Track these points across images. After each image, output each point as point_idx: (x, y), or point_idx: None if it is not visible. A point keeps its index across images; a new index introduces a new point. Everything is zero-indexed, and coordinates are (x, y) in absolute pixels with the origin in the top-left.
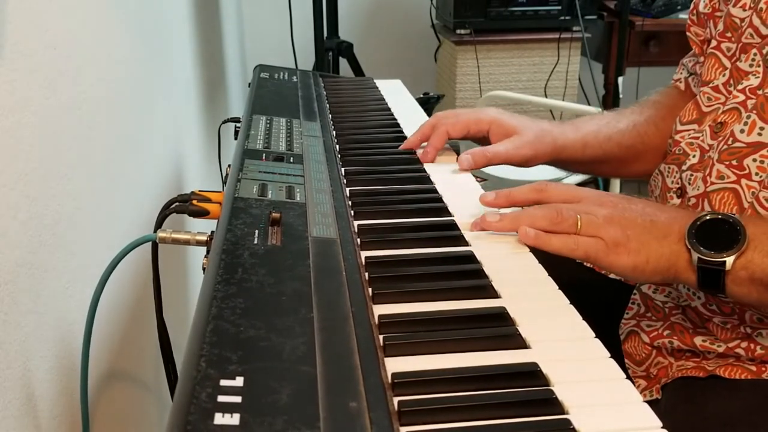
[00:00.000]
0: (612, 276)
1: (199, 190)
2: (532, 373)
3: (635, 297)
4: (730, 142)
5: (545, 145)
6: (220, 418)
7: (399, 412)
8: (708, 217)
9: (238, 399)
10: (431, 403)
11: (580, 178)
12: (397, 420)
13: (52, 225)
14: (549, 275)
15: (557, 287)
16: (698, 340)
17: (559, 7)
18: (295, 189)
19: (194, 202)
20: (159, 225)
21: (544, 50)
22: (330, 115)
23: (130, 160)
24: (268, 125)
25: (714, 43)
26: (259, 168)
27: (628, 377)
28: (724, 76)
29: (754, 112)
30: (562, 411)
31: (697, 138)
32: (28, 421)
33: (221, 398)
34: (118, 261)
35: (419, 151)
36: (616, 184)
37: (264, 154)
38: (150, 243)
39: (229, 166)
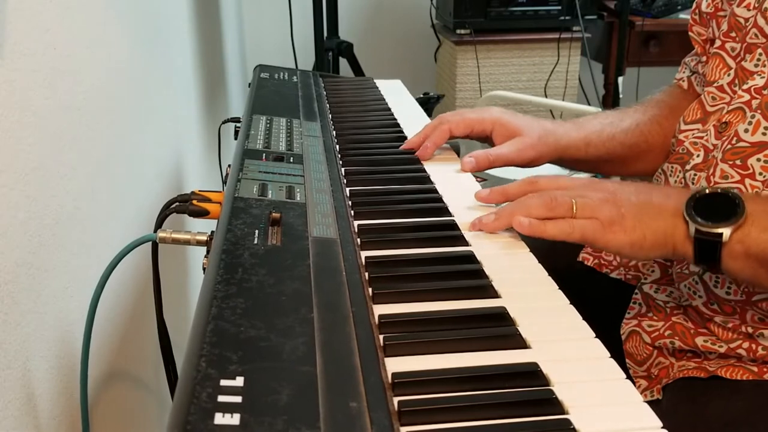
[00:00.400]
0: (613, 275)
1: (199, 190)
2: (532, 373)
3: (637, 297)
4: (734, 142)
5: (548, 147)
6: (220, 418)
7: (399, 412)
8: (707, 191)
9: (238, 399)
10: (431, 403)
11: (583, 176)
12: (397, 420)
13: (52, 225)
14: (549, 275)
15: (557, 287)
16: (699, 341)
17: (559, 7)
18: (295, 189)
19: (194, 202)
20: (159, 225)
21: (544, 50)
22: (330, 115)
23: (130, 160)
24: (268, 125)
25: (718, 43)
26: (259, 168)
27: (629, 377)
28: (729, 75)
29: (759, 111)
30: (562, 411)
31: (701, 137)
32: (28, 421)
33: (221, 398)
34: (118, 261)
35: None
36: None
37: (264, 154)
38: (150, 243)
39: (229, 166)
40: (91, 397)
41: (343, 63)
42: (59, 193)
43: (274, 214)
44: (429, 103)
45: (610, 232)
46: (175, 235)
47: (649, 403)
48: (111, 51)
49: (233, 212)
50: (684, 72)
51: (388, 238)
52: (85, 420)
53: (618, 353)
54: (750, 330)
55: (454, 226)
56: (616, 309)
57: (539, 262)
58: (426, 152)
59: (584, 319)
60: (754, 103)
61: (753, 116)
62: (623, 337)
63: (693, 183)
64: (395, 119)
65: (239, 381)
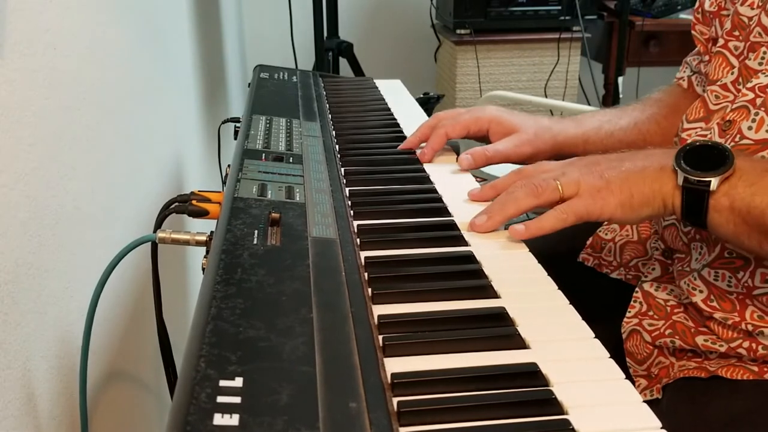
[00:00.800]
0: (613, 276)
1: (199, 190)
2: (531, 374)
3: (637, 295)
4: (737, 140)
5: (545, 143)
6: (219, 419)
7: (398, 412)
8: (698, 143)
9: (237, 399)
10: (431, 403)
11: None
12: (396, 420)
13: (52, 225)
14: (549, 275)
15: (557, 287)
16: (700, 340)
17: (559, 7)
18: (294, 189)
19: (194, 202)
20: (159, 225)
21: (544, 50)
22: (330, 115)
23: (130, 160)
24: (267, 125)
25: (721, 42)
26: (259, 168)
27: (629, 376)
28: (732, 74)
29: (763, 109)
30: (562, 411)
31: (705, 136)
32: (27, 421)
33: (221, 399)
34: (118, 261)
35: (418, 152)
36: None
37: (264, 154)
38: (150, 243)
39: (228, 166)
40: (90, 398)
41: (343, 63)
42: (59, 193)
43: (273, 214)
44: (429, 103)
45: (600, 198)
46: (174, 236)
47: (649, 402)
48: (111, 51)
49: (233, 212)
50: (685, 71)
51: (387, 238)
52: (84, 420)
53: (618, 353)
54: (750, 328)
55: (453, 226)
56: (616, 309)
57: (539, 262)
58: (425, 158)
59: (584, 319)
60: (758, 101)
61: (757, 114)
62: (624, 336)
63: None
64: (395, 119)
65: (238, 381)
